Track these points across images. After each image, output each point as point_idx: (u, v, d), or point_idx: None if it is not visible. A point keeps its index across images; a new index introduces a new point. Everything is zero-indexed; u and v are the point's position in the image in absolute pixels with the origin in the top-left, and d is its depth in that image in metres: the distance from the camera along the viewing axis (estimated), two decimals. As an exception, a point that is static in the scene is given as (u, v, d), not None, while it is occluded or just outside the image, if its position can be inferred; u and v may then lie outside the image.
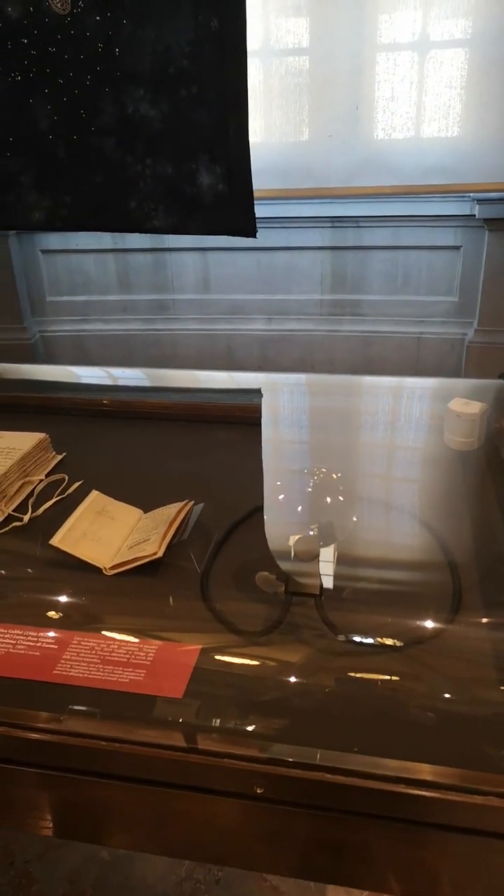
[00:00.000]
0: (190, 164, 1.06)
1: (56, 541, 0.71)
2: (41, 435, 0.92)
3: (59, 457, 0.94)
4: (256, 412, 1.08)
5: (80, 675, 0.58)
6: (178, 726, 0.54)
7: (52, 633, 0.62)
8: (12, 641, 0.61)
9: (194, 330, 3.15)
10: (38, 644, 0.61)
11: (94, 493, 0.80)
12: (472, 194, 2.68)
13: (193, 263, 3.03)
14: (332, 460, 0.97)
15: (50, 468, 0.91)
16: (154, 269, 3.05)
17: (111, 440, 1.04)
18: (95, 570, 0.71)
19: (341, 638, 0.61)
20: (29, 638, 0.62)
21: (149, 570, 0.70)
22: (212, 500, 0.81)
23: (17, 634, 0.62)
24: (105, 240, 2.97)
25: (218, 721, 0.55)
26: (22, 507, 0.83)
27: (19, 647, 0.61)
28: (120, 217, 1.11)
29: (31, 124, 1.07)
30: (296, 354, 3.18)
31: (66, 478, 0.88)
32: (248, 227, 1.10)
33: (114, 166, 1.08)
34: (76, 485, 0.87)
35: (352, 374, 3.15)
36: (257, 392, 1.17)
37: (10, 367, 1.40)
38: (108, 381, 1.33)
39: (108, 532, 0.75)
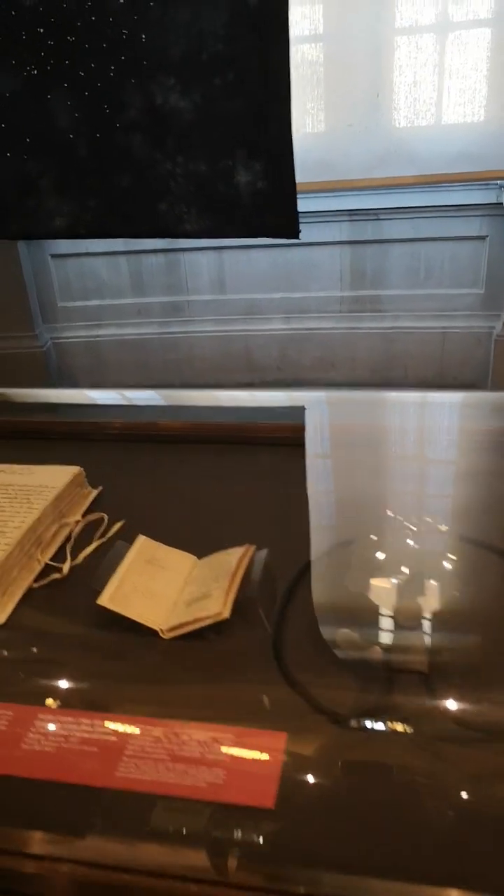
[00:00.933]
0: (226, 160, 0.96)
1: (105, 600, 0.62)
2: (75, 469, 0.82)
3: (95, 492, 0.85)
4: (302, 432, 0.98)
5: (149, 777, 0.48)
6: (279, 854, 0.45)
7: (109, 722, 0.53)
8: (64, 734, 0.52)
9: (211, 332, 3.05)
10: (95, 736, 0.52)
11: (142, 539, 0.71)
12: (499, 182, 2.57)
13: (208, 263, 2.94)
14: (406, 488, 0.87)
15: (86, 506, 0.82)
16: (168, 271, 2.96)
17: (146, 469, 0.95)
18: (149, 632, 0.62)
19: (476, 735, 0.51)
20: (83, 727, 0.52)
21: (209, 630, 0.61)
22: (267, 538, 0.71)
23: (69, 723, 0.53)
24: (117, 241, 2.88)
25: (332, 848, 0.45)
26: (59, 555, 0.73)
27: (72, 740, 0.51)
28: (149, 221, 1.01)
29: (49, 122, 0.97)
30: (316, 353, 3.08)
31: (106, 518, 0.79)
32: (290, 227, 1.00)
33: (141, 165, 0.98)
34: (117, 525, 0.78)
35: (374, 372, 3.05)
36: (300, 409, 1.07)
37: (25, 392, 1.30)
38: (133, 402, 1.23)
39: (160, 585, 0.66)
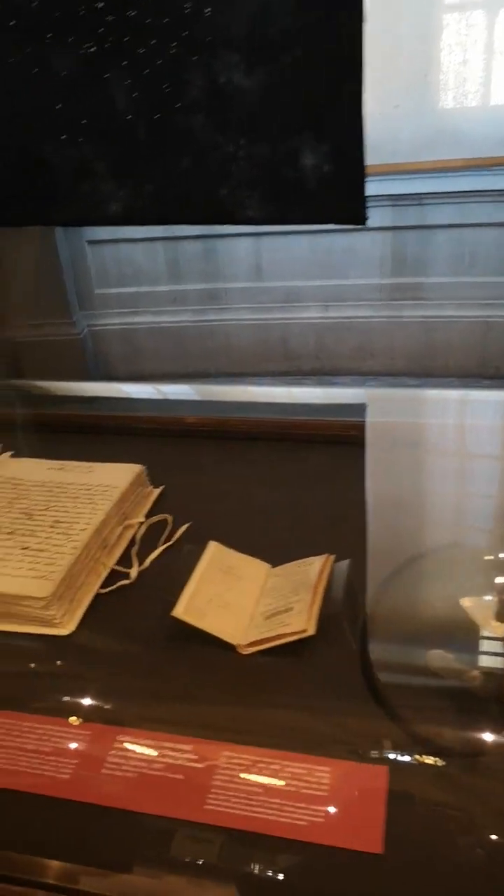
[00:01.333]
0: (291, 142, 0.91)
1: (180, 611, 0.58)
2: (137, 467, 0.79)
3: (157, 491, 0.81)
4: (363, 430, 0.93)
5: (241, 812, 0.45)
6: None
7: (191, 746, 0.49)
8: (145, 758, 0.49)
9: (247, 320, 3.00)
10: (179, 762, 0.48)
11: (213, 546, 0.67)
12: (551, 165, 2.47)
13: (245, 250, 2.88)
14: (485, 491, 0.82)
15: (148, 507, 0.78)
16: (205, 257, 2.91)
17: (204, 466, 0.91)
18: (224, 646, 0.58)
19: None
20: (165, 751, 0.49)
21: (289, 647, 0.57)
22: (338, 545, 0.67)
23: (151, 746, 0.49)
24: (155, 228, 2.83)
25: None
26: (124, 560, 0.70)
27: (156, 766, 0.48)
28: (208, 207, 0.96)
29: (107, 103, 0.92)
30: (354, 343, 3.01)
31: (170, 519, 0.75)
32: (356, 213, 0.95)
33: (201, 148, 0.93)
34: (183, 528, 0.74)
35: (413, 361, 2.97)
36: (360, 407, 1.02)
37: (71, 386, 1.26)
38: (182, 397, 1.19)
39: (235, 595, 0.62)
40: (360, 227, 2.82)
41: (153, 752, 0.49)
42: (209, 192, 0.96)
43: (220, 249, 2.88)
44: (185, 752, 0.49)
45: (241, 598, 0.62)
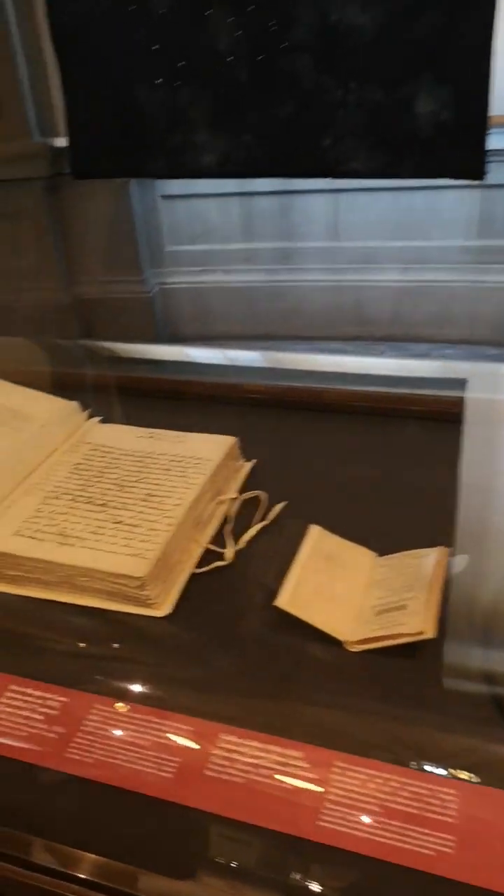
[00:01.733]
0: (407, 85, 0.83)
1: (284, 602, 0.54)
2: (231, 439, 0.75)
3: (249, 465, 0.77)
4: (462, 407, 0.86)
5: (357, 832, 0.41)
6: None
7: (299, 752, 0.45)
8: (251, 762, 0.45)
9: (321, 281, 2.90)
10: (288, 769, 0.45)
11: (315, 530, 0.62)
12: None
13: (323, 207, 2.77)
14: None
15: (241, 482, 0.74)
16: (280, 215, 2.81)
17: (295, 439, 0.86)
18: (329, 641, 0.54)
19: None
20: (273, 756, 0.45)
21: (400, 649, 0.52)
22: (449, 532, 0.62)
23: (257, 749, 0.46)
24: (229, 183, 2.75)
25: None
26: (218, 539, 0.66)
27: (262, 771, 0.45)
28: (310, 159, 0.89)
29: (207, 44, 0.86)
30: (432, 308, 2.88)
31: (265, 496, 0.71)
32: (475, 167, 0.86)
33: (307, 93, 0.86)
34: (279, 506, 0.70)
35: (496, 330, 2.82)
36: (460, 382, 0.94)
37: (144, 349, 1.22)
38: (268, 365, 1.14)
39: (341, 586, 0.58)
40: (457, 184, 2.65)
41: (259, 756, 0.45)
42: (311, 142, 0.89)
43: (296, 206, 2.77)
44: (295, 758, 0.45)
45: (346, 588, 0.57)
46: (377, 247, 2.79)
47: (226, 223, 2.85)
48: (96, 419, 0.80)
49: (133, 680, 0.53)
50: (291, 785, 0.44)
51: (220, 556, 0.64)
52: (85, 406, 0.82)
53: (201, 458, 0.71)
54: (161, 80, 0.89)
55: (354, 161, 0.88)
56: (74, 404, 0.81)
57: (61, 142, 2.59)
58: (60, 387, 0.89)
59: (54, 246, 2.79)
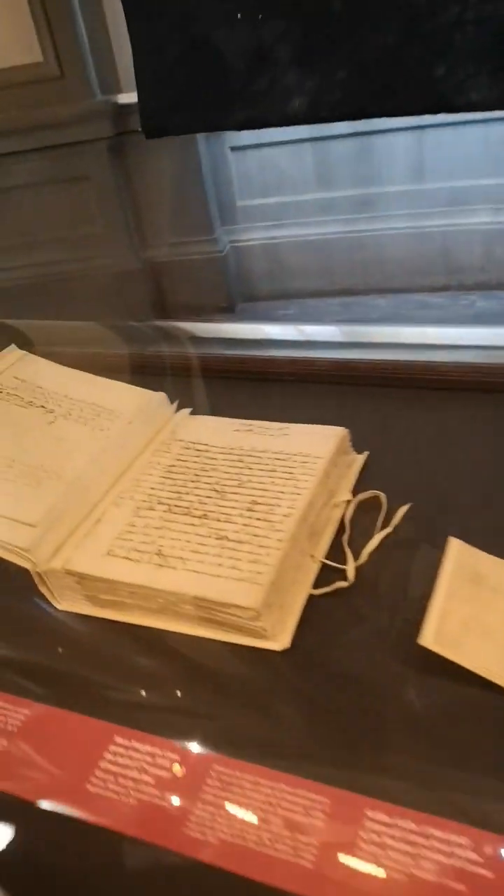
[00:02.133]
0: (541, -8, 0.68)
1: (429, 640, 0.45)
2: (341, 430, 0.65)
3: (361, 459, 0.67)
4: None
5: None
6: None
7: (466, 841, 0.37)
8: (403, 852, 0.37)
9: (403, 228, 2.71)
10: (460, 865, 0.36)
11: (456, 545, 0.53)
12: None
13: (406, 146, 2.56)
14: None
15: (353, 480, 0.65)
16: (358, 159, 2.62)
17: (408, 425, 0.75)
18: (487, 686, 0.45)
19: None
20: (436, 846, 0.37)
21: None
22: None
23: (415, 834, 0.38)
24: (301, 129, 2.57)
25: None
26: (333, 551, 0.58)
27: (426, 865, 0.37)
28: (420, 92, 0.76)
29: (294, -36, 0.74)
30: (528, 251, 2.64)
31: (384, 498, 0.61)
32: None
33: (415, 16, 0.73)
34: (402, 509, 0.60)
35: None
36: None
37: (224, 328, 1.12)
38: (375, 340, 1.02)
39: (495, 617, 0.48)
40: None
41: (417, 842, 0.37)
42: (421, 72, 0.76)
43: (375, 148, 2.57)
44: (461, 846, 0.37)
45: (501, 619, 0.48)
46: (466, 186, 2.57)
47: (299, 172, 2.69)
48: (186, 410, 0.73)
49: (252, 731, 0.46)
50: (464, 885, 0.36)
51: (339, 573, 0.55)
52: (166, 395, 0.74)
53: (309, 454, 0.62)
54: (240, 14, 0.77)
55: (473, 92, 0.75)
56: (162, 395, 0.73)
57: (124, 98, 2.48)
58: (134, 371, 0.81)
59: (121, 210, 2.71)
